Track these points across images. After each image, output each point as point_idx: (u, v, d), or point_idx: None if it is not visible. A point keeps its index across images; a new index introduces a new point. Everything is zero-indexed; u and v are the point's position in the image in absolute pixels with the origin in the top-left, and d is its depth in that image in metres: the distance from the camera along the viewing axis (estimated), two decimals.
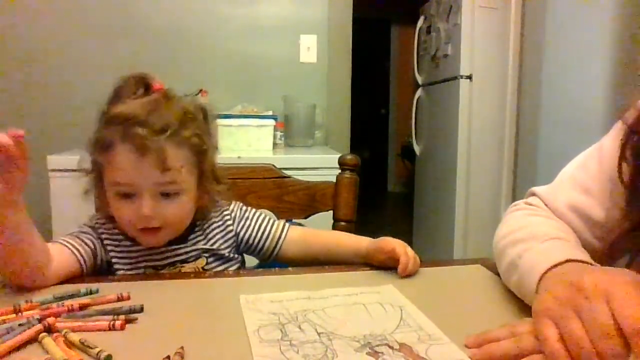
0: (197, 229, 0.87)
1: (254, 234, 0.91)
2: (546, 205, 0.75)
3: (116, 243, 0.82)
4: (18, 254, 0.67)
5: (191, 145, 0.80)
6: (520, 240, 0.67)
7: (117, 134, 0.75)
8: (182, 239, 0.85)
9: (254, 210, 0.94)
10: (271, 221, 0.93)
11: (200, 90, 2.09)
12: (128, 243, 0.82)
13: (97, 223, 0.83)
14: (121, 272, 0.82)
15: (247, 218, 0.92)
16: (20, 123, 2.18)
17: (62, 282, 0.72)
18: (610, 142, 0.69)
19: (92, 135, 0.79)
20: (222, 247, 0.88)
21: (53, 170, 1.70)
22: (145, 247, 0.82)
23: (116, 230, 0.82)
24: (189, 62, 2.29)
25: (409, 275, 0.77)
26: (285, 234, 0.92)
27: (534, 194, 0.79)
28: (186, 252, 0.85)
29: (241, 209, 0.93)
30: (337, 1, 2.39)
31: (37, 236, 0.69)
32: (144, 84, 0.81)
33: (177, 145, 0.77)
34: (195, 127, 0.81)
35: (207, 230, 0.88)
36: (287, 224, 0.94)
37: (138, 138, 0.74)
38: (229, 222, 0.90)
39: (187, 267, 0.84)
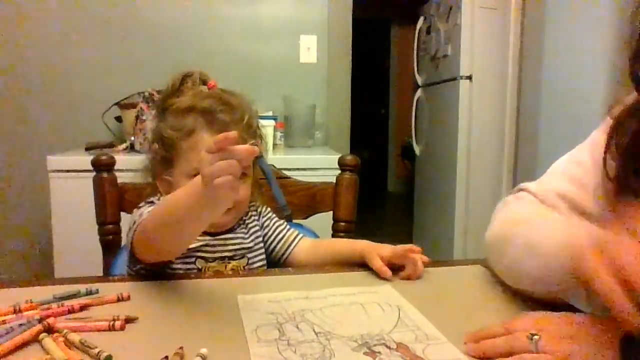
0: (240, 221, 0.92)
1: (270, 233, 0.96)
2: (536, 197, 0.75)
3: None
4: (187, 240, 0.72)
5: (256, 137, 0.88)
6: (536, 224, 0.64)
7: (199, 120, 0.82)
8: (230, 229, 0.89)
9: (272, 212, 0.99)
10: (287, 226, 0.98)
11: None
12: None
13: None
14: (174, 264, 0.83)
15: (269, 218, 0.97)
16: (21, 123, 2.20)
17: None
18: (600, 136, 0.69)
19: (157, 126, 0.86)
20: (258, 242, 0.92)
21: (53, 170, 1.70)
22: (199, 239, 0.84)
23: None
24: (189, 62, 2.27)
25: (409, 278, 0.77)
26: (298, 241, 0.95)
27: (522, 190, 0.79)
28: (234, 249, 0.88)
29: (265, 208, 0.98)
30: (337, 1, 2.39)
31: None
32: (202, 81, 0.88)
33: (249, 134, 0.85)
34: (255, 121, 0.89)
35: (248, 221, 0.93)
36: (300, 233, 0.97)
37: (224, 124, 0.82)
38: (255, 218, 0.95)
39: (232, 265, 0.88)
